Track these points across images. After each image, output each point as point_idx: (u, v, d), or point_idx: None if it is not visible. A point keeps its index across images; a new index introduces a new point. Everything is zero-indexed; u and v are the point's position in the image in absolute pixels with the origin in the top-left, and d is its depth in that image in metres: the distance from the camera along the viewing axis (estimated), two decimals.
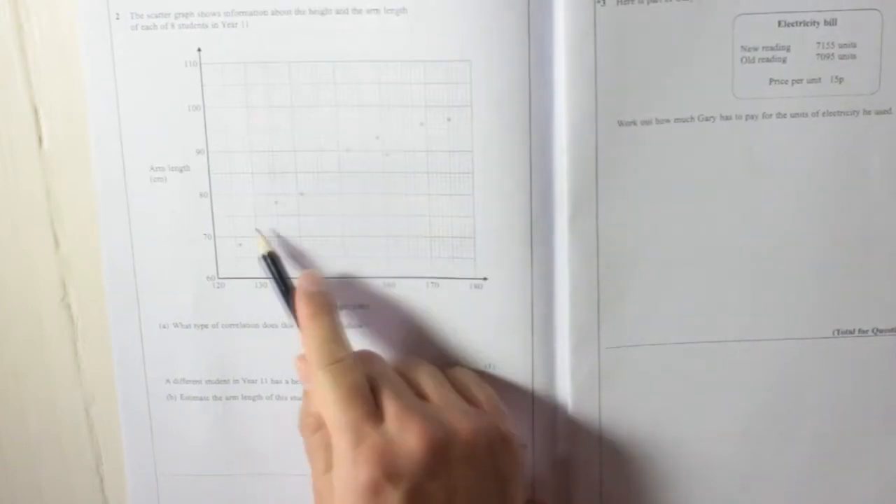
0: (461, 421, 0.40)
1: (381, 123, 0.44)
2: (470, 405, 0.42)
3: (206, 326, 0.46)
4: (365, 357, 0.42)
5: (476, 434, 0.40)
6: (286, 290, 0.43)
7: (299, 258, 0.45)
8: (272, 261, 0.44)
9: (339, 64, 0.44)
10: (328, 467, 0.40)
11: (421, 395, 0.42)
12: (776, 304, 0.44)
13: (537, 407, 0.46)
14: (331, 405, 0.39)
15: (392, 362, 0.44)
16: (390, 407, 0.39)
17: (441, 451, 0.38)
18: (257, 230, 0.45)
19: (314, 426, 0.42)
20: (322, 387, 0.40)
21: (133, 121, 0.44)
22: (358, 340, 0.46)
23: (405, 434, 0.38)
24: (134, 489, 0.48)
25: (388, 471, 0.38)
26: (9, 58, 0.46)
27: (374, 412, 0.39)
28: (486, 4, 0.42)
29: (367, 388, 0.40)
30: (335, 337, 0.41)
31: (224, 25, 0.43)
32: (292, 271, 0.45)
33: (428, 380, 0.43)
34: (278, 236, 0.45)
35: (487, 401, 0.43)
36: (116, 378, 0.47)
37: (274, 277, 0.44)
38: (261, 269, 0.45)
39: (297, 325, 0.42)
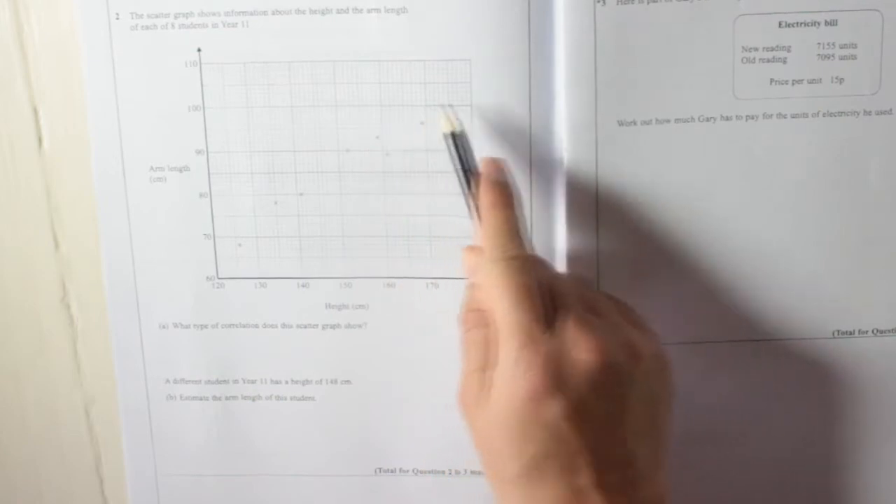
0: (633, 343, 0.38)
1: (381, 123, 0.44)
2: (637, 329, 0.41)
3: (205, 326, 0.46)
4: (541, 263, 0.41)
5: (644, 357, 0.38)
6: (468, 173, 0.41)
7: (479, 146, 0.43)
8: (455, 140, 0.42)
9: (339, 64, 0.44)
10: (484, 366, 0.38)
11: (593, 312, 0.40)
12: (776, 304, 0.44)
13: None
14: (504, 301, 0.38)
15: (563, 275, 0.42)
16: (563, 316, 0.38)
17: (608, 369, 0.37)
18: (442, 106, 0.43)
19: (473, 321, 0.40)
20: (496, 281, 0.38)
21: (133, 121, 0.44)
22: (358, 341, 0.46)
23: (577, 346, 0.37)
24: (134, 489, 0.48)
25: (553, 379, 0.36)
26: (9, 58, 0.46)
27: (543, 316, 0.38)
28: (487, 4, 0.42)
29: (540, 292, 0.38)
30: (512, 232, 0.40)
31: (224, 25, 0.43)
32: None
33: (600, 297, 0.41)
34: (459, 119, 0.42)
35: (652, 334, 0.42)
36: (116, 378, 0.47)
37: (455, 158, 0.42)
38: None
39: (475, 213, 0.41)
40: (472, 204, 0.41)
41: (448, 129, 0.42)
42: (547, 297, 0.39)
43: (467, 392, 0.39)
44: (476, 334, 0.39)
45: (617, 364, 0.37)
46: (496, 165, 0.42)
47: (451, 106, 0.43)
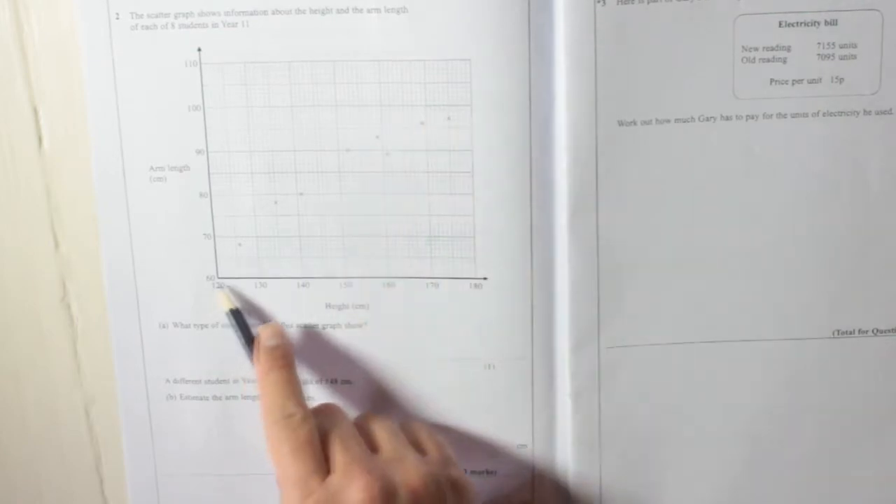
0: (408, 471, 0.40)
1: (381, 123, 0.44)
2: (421, 455, 0.42)
3: (205, 326, 0.46)
4: (322, 410, 0.43)
5: (423, 483, 0.40)
6: (250, 343, 0.44)
7: (261, 312, 0.46)
8: (235, 316, 0.45)
9: (340, 63, 0.44)
10: None
11: (374, 448, 0.42)
12: (776, 304, 0.44)
13: (537, 407, 0.46)
14: (280, 459, 0.40)
15: (353, 417, 0.44)
16: (338, 459, 0.40)
17: (385, 502, 0.39)
18: (219, 287, 0.45)
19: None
20: (273, 442, 0.41)
21: (133, 121, 0.44)
22: (358, 341, 0.46)
23: (349, 487, 0.39)
24: (134, 489, 0.48)
25: None
26: (9, 58, 0.46)
27: (322, 467, 0.40)
28: (487, 4, 0.42)
29: (318, 443, 0.41)
30: (288, 392, 0.42)
31: (224, 25, 0.43)
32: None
33: (381, 432, 0.43)
34: (239, 294, 0.46)
35: (438, 450, 0.43)
36: (116, 378, 0.47)
37: (238, 332, 0.45)
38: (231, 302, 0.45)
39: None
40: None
41: (227, 308, 0.45)
42: (329, 445, 0.41)
43: None
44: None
45: (387, 496, 0.39)
46: (270, 331, 0.44)
47: (223, 287, 0.45)
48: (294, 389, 0.42)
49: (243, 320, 0.45)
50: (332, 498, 0.39)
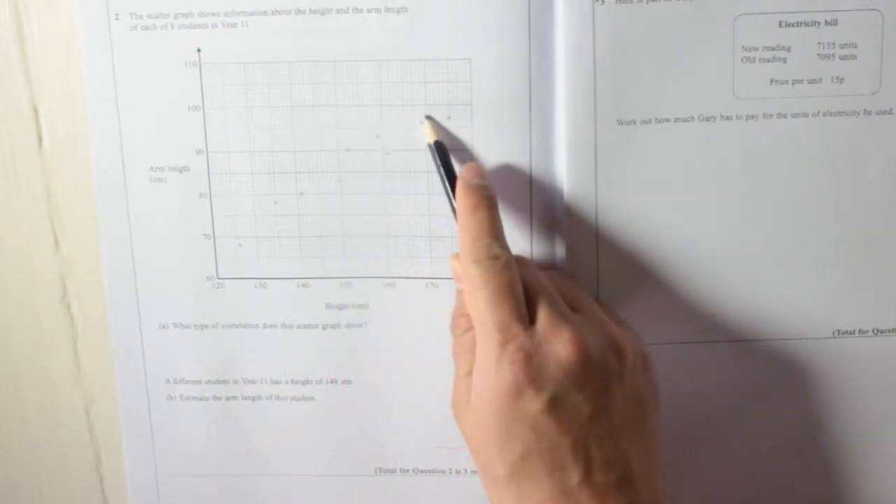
0: (615, 339, 0.38)
1: (381, 123, 0.44)
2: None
3: (205, 326, 0.46)
4: (521, 262, 0.40)
5: (627, 351, 0.38)
6: (450, 179, 0.42)
7: (466, 152, 0.44)
8: (438, 149, 0.43)
9: (340, 63, 0.44)
10: (471, 370, 0.39)
11: (574, 309, 0.40)
12: (776, 304, 0.44)
13: None
14: (481, 302, 0.38)
15: (546, 273, 0.42)
16: (544, 312, 0.38)
17: (590, 363, 0.37)
18: (427, 117, 0.43)
19: (464, 326, 0.40)
20: (475, 282, 0.38)
21: (133, 121, 0.44)
22: (358, 341, 0.46)
23: (557, 341, 0.37)
24: (134, 489, 0.48)
25: (533, 375, 0.36)
26: (9, 58, 0.46)
27: (524, 315, 0.38)
28: (487, 4, 0.42)
29: (521, 290, 0.38)
30: (493, 233, 0.40)
31: (224, 25, 0.43)
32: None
33: (582, 295, 0.41)
34: (444, 129, 0.43)
35: (627, 323, 0.42)
36: (116, 378, 0.47)
37: (439, 166, 0.42)
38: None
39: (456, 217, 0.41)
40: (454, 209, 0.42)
41: (432, 139, 0.43)
42: (532, 296, 0.39)
43: (458, 397, 0.39)
44: (465, 339, 0.40)
45: (597, 359, 0.37)
46: (474, 169, 0.42)
47: (431, 118, 0.43)
48: (499, 231, 0.40)
49: (446, 155, 0.43)
50: (536, 348, 0.37)
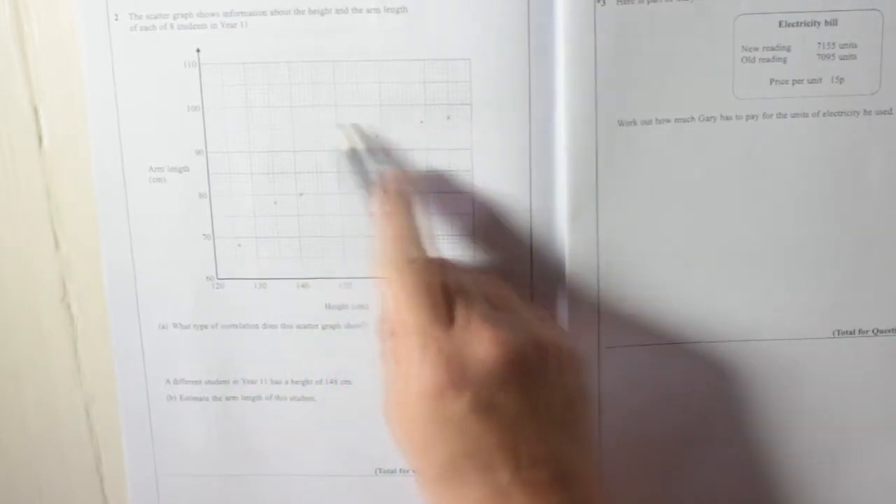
0: (540, 338, 0.38)
1: (380, 123, 0.44)
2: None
3: (205, 327, 0.46)
4: (441, 263, 0.40)
5: (551, 350, 0.38)
6: (368, 187, 0.42)
7: (383, 155, 0.44)
8: (353, 156, 0.43)
9: (339, 63, 0.43)
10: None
11: (497, 308, 0.40)
12: (776, 303, 0.44)
13: None
14: (400, 306, 0.38)
15: (468, 274, 0.42)
16: (464, 313, 0.38)
17: (512, 362, 0.37)
18: (340, 125, 0.44)
19: (389, 331, 0.40)
20: (391, 287, 0.38)
21: (132, 121, 0.44)
22: (358, 341, 0.46)
23: (476, 341, 0.37)
24: (134, 489, 0.48)
25: (454, 377, 0.36)
26: (9, 58, 0.46)
27: (445, 317, 0.38)
28: (487, 4, 0.42)
29: (440, 292, 0.38)
30: (410, 237, 0.40)
31: (223, 25, 0.43)
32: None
33: (509, 294, 0.41)
34: (364, 133, 0.44)
35: (552, 320, 0.42)
36: (116, 378, 0.47)
37: (356, 173, 0.43)
38: (346, 169, 0.43)
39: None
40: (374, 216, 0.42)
41: (348, 146, 0.43)
42: (451, 297, 0.38)
43: (387, 402, 0.39)
44: (390, 346, 0.39)
45: (520, 357, 0.37)
46: (392, 174, 0.42)
47: (341, 125, 0.44)
48: (417, 234, 0.40)
49: (362, 161, 0.43)
50: (456, 350, 0.37)
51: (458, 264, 0.42)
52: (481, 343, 0.37)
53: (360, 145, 0.43)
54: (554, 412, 0.38)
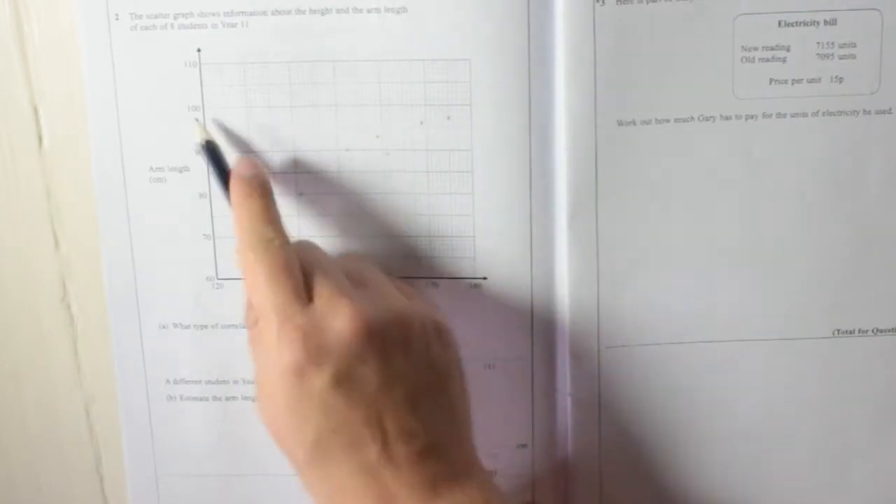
0: (396, 307, 0.38)
1: (380, 123, 0.44)
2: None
3: (205, 327, 0.46)
4: (302, 245, 0.41)
5: (414, 322, 0.38)
6: (225, 177, 0.42)
7: (242, 145, 0.44)
8: (209, 148, 0.43)
9: (339, 63, 0.43)
10: None
11: (357, 284, 0.40)
12: (776, 304, 0.44)
13: (537, 407, 0.46)
14: (258, 287, 0.38)
15: (328, 254, 0.42)
16: (322, 289, 0.37)
17: (372, 334, 0.36)
18: (196, 119, 0.44)
19: (254, 317, 0.39)
20: (250, 269, 0.38)
21: (132, 121, 0.44)
22: None
23: (334, 315, 0.36)
24: (134, 489, 0.48)
25: (312, 352, 0.36)
26: (9, 58, 0.46)
27: (303, 294, 0.37)
28: (487, 4, 0.42)
29: (298, 271, 0.38)
30: (266, 219, 0.39)
31: (224, 25, 0.43)
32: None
33: (365, 270, 0.41)
34: (219, 125, 0.44)
35: (420, 296, 0.41)
36: (116, 378, 0.47)
37: (212, 165, 0.43)
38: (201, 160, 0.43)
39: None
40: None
41: (201, 139, 0.43)
42: (310, 275, 0.38)
43: (257, 393, 0.39)
44: (255, 332, 0.39)
45: (379, 330, 0.37)
46: (246, 162, 0.42)
47: (196, 119, 0.44)
48: (273, 216, 0.40)
49: (219, 155, 0.43)
50: (314, 325, 0.36)
51: (317, 246, 0.42)
52: (339, 317, 0.36)
53: (211, 138, 0.43)
54: (420, 383, 0.37)
